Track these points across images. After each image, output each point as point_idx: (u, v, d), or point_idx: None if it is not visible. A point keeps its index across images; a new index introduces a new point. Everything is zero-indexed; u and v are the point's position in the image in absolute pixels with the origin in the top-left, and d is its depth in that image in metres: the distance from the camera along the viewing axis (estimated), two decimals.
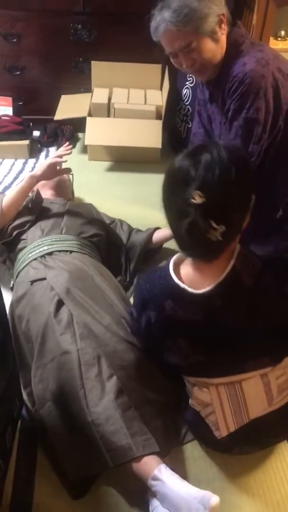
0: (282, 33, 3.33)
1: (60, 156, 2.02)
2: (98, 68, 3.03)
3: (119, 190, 2.66)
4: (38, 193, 2.01)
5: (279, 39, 3.33)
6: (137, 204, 2.49)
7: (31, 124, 3.04)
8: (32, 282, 1.66)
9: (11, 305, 1.68)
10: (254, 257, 1.26)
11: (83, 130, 2.92)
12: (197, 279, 1.23)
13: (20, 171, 2.84)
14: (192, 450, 1.48)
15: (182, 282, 1.23)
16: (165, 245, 2.20)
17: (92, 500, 1.34)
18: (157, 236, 2.13)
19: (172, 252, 2.24)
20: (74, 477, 1.34)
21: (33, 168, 2.86)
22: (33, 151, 3.01)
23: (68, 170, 2.08)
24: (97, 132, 2.85)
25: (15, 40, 2.95)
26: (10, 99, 3.02)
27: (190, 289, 1.21)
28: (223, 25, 1.54)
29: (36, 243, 1.83)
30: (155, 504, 1.24)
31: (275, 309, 1.25)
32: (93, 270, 1.73)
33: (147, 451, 1.28)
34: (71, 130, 3.13)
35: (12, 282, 1.87)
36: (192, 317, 1.24)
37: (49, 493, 1.36)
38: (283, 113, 1.57)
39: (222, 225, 1.08)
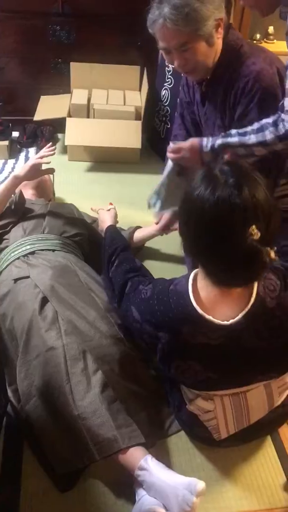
0: (258, 36, 3.40)
1: (43, 157, 2.02)
2: (77, 69, 3.05)
3: (99, 190, 2.68)
4: (21, 194, 2.02)
5: (255, 41, 3.39)
6: (117, 204, 2.48)
7: (10, 124, 3.04)
8: (16, 280, 1.67)
9: None
10: (272, 274, 1.21)
11: (62, 131, 2.94)
12: (220, 305, 1.16)
13: (0, 172, 2.84)
14: (177, 442, 1.51)
15: (203, 308, 1.16)
16: (148, 244, 2.24)
17: (79, 492, 1.36)
18: (138, 235, 2.16)
19: (155, 252, 2.30)
20: (61, 471, 1.35)
21: (12, 169, 2.86)
22: (13, 152, 3.01)
23: (51, 170, 2.09)
24: (77, 132, 2.87)
25: None
26: None
27: (216, 321, 1.15)
28: (219, 29, 1.54)
29: (18, 243, 1.84)
30: (141, 493, 1.27)
31: None
32: (77, 267, 1.75)
33: (133, 442, 1.31)
34: (50, 131, 3.14)
35: None
36: (211, 341, 1.18)
37: (37, 487, 1.37)
38: None
39: (273, 247, 1.04)
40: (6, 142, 2.94)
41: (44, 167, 2.03)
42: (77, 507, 1.34)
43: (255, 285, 1.16)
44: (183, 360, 1.25)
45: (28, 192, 2.18)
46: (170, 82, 2.76)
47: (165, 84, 2.81)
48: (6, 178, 2.54)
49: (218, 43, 1.57)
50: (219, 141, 1.53)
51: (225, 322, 1.15)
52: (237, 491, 1.40)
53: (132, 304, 1.34)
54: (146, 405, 1.50)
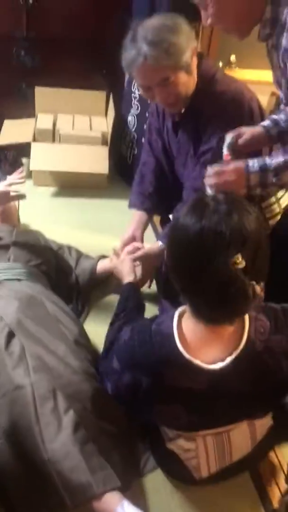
0: (220, 64, 3.46)
1: (11, 184, 1.95)
2: (42, 94, 3.01)
3: (66, 215, 2.62)
4: None
5: (233, 65, 3.44)
6: (84, 230, 2.47)
7: None
8: None
9: None
10: (263, 315, 1.16)
11: (27, 155, 2.88)
12: (207, 348, 1.11)
13: None
14: (153, 481, 1.44)
15: (189, 351, 1.10)
16: None
17: None
18: (101, 266, 2.09)
19: None
20: None
21: None
22: None
23: (22, 197, 2.00)
24: (43, 157, 2.82)
25: None
26: None
27: (204, 366, 1.09)
28: (194, 57, 1.55)
29: None
30: None
31: (281, 371, 1.16)
32: (45, 298, 1.68)
33: (108, 487, 1.23)
34: (14, 156, 3.06)
35: None
36: (194, 385, 1.12)
37: None
38: None
39: (259, 282, 1.00)
40: None
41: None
42: None
43: (246, 327, 1.11)
44: (165, 404, 1.18)
45: None
46: (136, 107, 2.76)
47: (131, 110, 2.81)
48: None
49: (195, 71, 1.58)
50: (276, 159, 1.33)
51: (213, 367, 1.09)
52: None
53: (114, 353, 1.27)
54: (119, 444, 1.41)
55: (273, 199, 1.71)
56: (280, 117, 1.49)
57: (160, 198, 1.98)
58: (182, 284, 1.07)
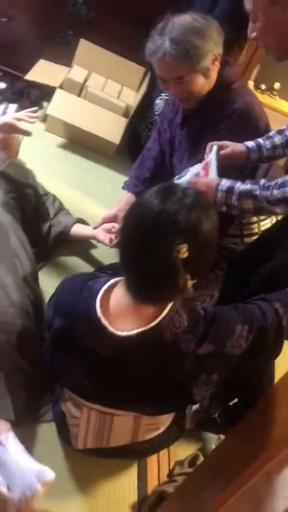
0: (263, 86, 3.50)
1: (20, 120, 1.94)
2: (85, 48, 3.00)
3: (64, 170, 2.61)
4: None
5: (258, 91, 3.49)
6: (77, 190, 2.46)
7: (1, 74, 2.95)
8: None
9: None
10: (186, 313, 1.16)
11: (48, 100, 2.87)
12: (122, 316, 1.14)
13: None
14: (45, 432, 1.47)
15: (106, 314, 1.14)
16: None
17: None
18: (76, 229, 2.11)
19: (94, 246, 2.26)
20: None
21: None
22: None
23: (27, 134, 2.00)
24: (63, 106, 2.81)
25: None
26: None
27: (110, 328, 1.13)
28: (216, 62, 1.58)
29: None
30: None
31: (181, 372, 1.17)
32: (11, 229, 1.69)
33: (1, 415, 1.26)
34: (37, 95, 3.05)
35: None
36: (100, 350, 1.16)
37: None
38: None
39: (194, 278, 1.04)
40: None
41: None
42: None
43: (164, 313, 1.13)
44: (68, 355, 1.22)
45: None
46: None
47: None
48: None
49: (214, 75, 1.61)
50: (244, 186, 1.36)
51: (118, 332, 1.12)
52: (87, 499, 1.38)
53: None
54: (30, 385, 1.45)
55: (254, 218, 1.76)
56: (266, 143, 1.53)
57: (153, 186, 2.00)
58: (123, 255, 1.12)
